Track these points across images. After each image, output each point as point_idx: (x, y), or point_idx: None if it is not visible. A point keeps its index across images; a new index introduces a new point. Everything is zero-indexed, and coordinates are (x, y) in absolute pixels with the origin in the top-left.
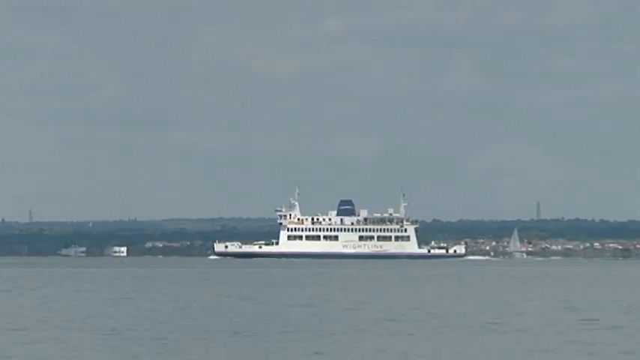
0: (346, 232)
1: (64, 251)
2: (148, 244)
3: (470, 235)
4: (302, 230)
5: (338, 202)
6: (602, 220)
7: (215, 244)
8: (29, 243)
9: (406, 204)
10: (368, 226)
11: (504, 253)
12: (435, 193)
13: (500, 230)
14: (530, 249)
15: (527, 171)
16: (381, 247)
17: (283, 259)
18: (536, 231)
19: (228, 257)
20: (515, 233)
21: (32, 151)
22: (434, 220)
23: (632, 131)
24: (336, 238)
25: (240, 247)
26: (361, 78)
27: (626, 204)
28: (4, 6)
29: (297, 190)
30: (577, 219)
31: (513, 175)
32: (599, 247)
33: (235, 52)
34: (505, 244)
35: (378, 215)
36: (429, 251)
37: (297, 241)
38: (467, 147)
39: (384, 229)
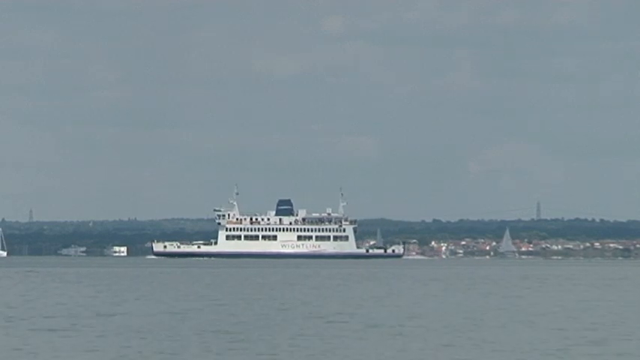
0: (284, 232)
1: (64, 251)
2: (148, 244)
3: (470, 235)
4: (240, 230)
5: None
6: (602, 220)
7: (153, 244)
8: (29, 243)
9: (345, 204)
10: (306, 226)
11: (499, 254)
12: (434, 193)
13: (500, 230)
14: (530, 249)
15: (527, 171)
16: (319, 246)
17: (219, 258)
18: (536, 231)
19: (167, 257)
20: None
21: (32, 151)
22: (434, 220)
23: (632, 131)
24: (274, 237)
25: (179, 246)
26: (361, 78)
27: (626, 204)
28: (4, 6)
29: (235, 190)
30: (577, 219)
31: (513, 175)
32: (599, 247)
33: (235, 52)
34: None
35: (317, 215)
36: (367, 251)
37: (236, 241)
38: (467, 147)
39: (323, 229)
